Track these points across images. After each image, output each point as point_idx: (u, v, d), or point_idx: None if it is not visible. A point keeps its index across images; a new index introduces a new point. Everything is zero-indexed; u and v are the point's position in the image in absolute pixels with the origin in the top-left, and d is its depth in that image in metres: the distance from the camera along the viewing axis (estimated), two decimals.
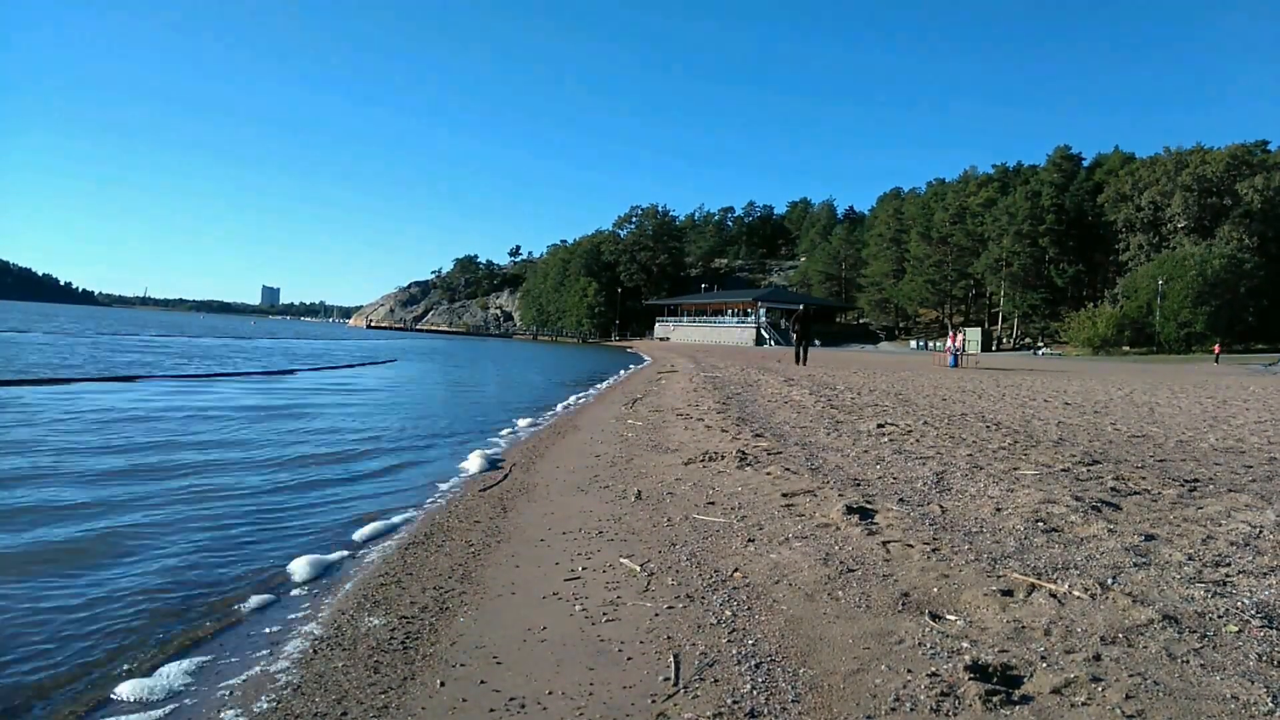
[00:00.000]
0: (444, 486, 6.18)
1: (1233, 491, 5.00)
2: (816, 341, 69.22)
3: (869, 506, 4.42)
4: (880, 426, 8.32)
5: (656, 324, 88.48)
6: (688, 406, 10.83)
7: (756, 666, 2.58)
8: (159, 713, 2.53)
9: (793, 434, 7.84)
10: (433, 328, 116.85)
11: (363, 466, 7.03)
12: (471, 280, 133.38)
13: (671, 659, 2.68)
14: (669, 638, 2.88)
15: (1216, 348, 41.77)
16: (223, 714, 2.45)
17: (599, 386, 18.80)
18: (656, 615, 3.11)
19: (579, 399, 14.98)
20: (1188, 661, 2.39)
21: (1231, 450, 7.29)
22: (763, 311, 74.77)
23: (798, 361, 25.11)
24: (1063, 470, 5.72)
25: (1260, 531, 3.92)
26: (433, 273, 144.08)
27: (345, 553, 4.31)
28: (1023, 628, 2.70)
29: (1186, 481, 5.39)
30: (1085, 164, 72.49)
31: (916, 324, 77.07)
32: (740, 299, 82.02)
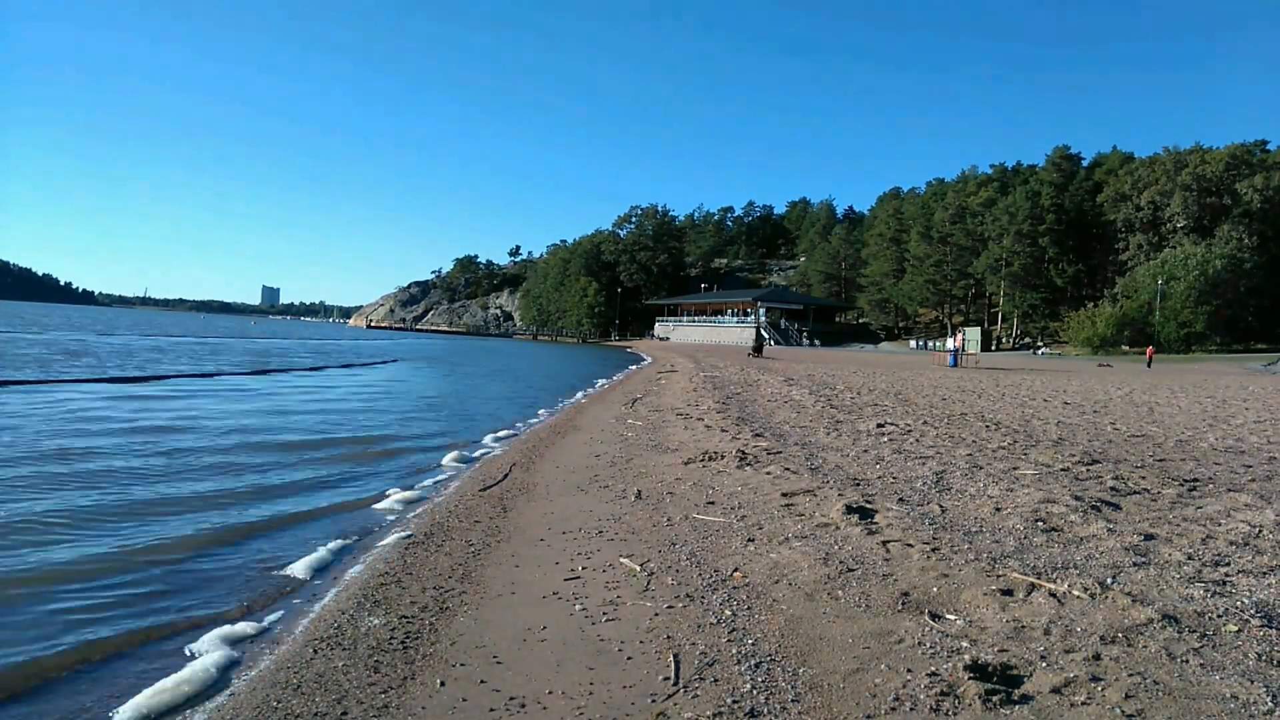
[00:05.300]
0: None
1: (1232, 491, 5.01)
2: (815, 341, 69.15)
3: (869, 506, 4.42)
4: (880, 426, 8.32)
5: (656, 324, 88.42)
6: (688, 406, 10.83)
7: (756, 666, 2.58)
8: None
9: (793, 434, 7.84)
10: (433, 328, 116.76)
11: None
12: (471, 280, 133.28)
13: (671, 658, 2.68)
14: (669, 637, 2.88)
15: (1149, 350, 40.77)
16: None
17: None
18: (656, 615, 3.11)
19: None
20: (1187, 661, 2.40)
21: (1231, 450, 7.30)
22: (763, 311, 74.76)
23: None
24: (1062, 470, 5.73)
25: (1260, 531, 3.92)
26: (433, 273, 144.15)
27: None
28: (1022, 627, 2.70)
29: (1186, 481, 5.40)
30: (1085, 164, 72.48)
31: (916, 324, 77.03)
32: (740, 299, 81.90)
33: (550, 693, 2.50)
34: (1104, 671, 2.33)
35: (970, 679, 2.30)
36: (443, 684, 2.59)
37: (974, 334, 36.94)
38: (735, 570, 3.56)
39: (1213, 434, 8.59)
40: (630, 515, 4.77)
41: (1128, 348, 50.87)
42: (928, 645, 2.59)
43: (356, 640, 2.99)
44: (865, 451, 6.61)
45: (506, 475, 6.42)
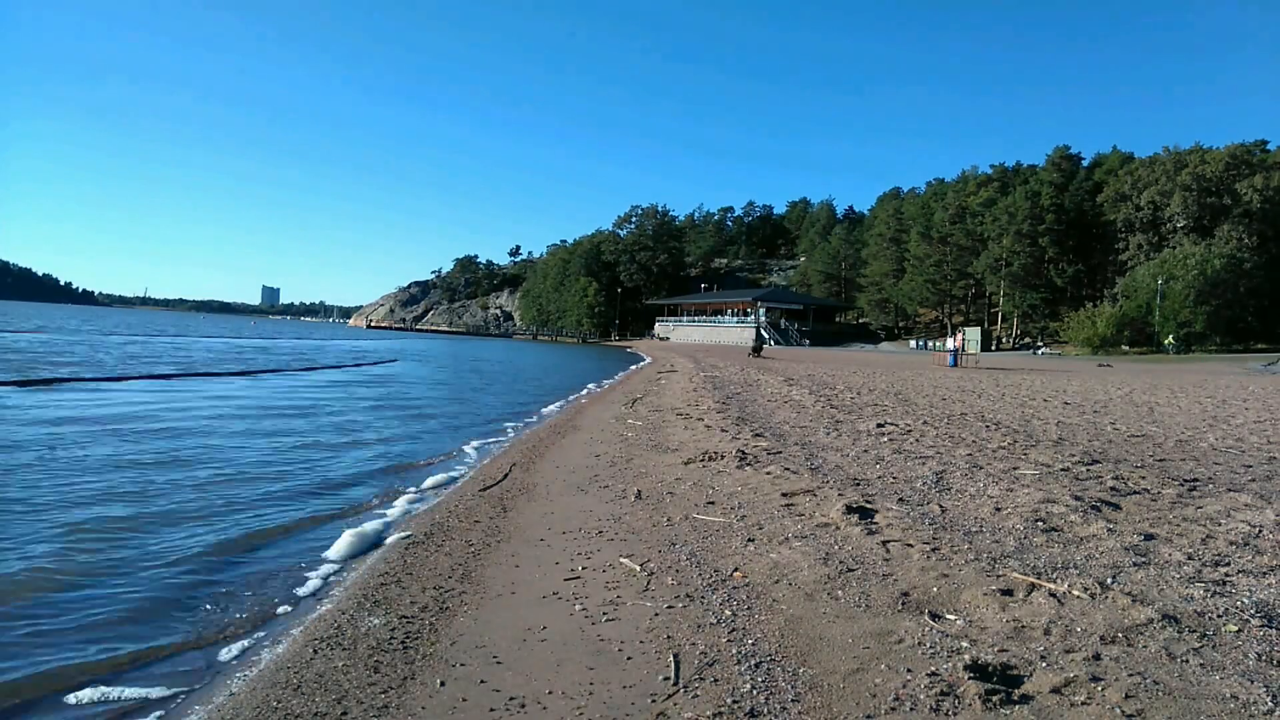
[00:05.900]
0: None
1: (1232, 491, 5.01)
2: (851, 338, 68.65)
3: (869, 506, 4.42)
4: (880, 426, 8.32)
5: (656, 324, 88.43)
6: (688, 406, 10.83)
7: (756, 666, 2.58)
8: None
9: (793, 434, 7.84)
10: (433, 328, 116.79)
11: None
12: (471, 280, 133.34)
13: (671, 658, 2.68)
14: (669, 637, 2.88)
15: None
16: None
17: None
18: (656, 615, 3.11)
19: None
20: (1187, 661, 2.40)
21: (1231, 450, 7.29)
22: (762, 311, 74.76)
23: None
24: (1062, 470, 5.73)
25: (1260, 531, 3.92)
26: (433, 273, 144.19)
27: None
28: (1022, 627, 2.71)
29: (1186, 481, 5.40)
30: (1084, 164, 72.52)
31: (916, 324, 77.10)
32: (740, 299, 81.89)
33: (550, 693, 2.50)
34: (1104, 671, 2.34)
35: (970, 679, 2.30)
36: (443, 684, 2.59)
37: (974, 334, 36.87)
38: (735, 570, 3.56)
39: (1213, 434, 8.59)
40: (630, 515, 4.77)
41: (1128, 347, 50.83)
42: (928, 645, 2.59)
43: (356, 640, 2.99)
44: (865, 451, 6.61)
45: (506, 475, 6.42)
